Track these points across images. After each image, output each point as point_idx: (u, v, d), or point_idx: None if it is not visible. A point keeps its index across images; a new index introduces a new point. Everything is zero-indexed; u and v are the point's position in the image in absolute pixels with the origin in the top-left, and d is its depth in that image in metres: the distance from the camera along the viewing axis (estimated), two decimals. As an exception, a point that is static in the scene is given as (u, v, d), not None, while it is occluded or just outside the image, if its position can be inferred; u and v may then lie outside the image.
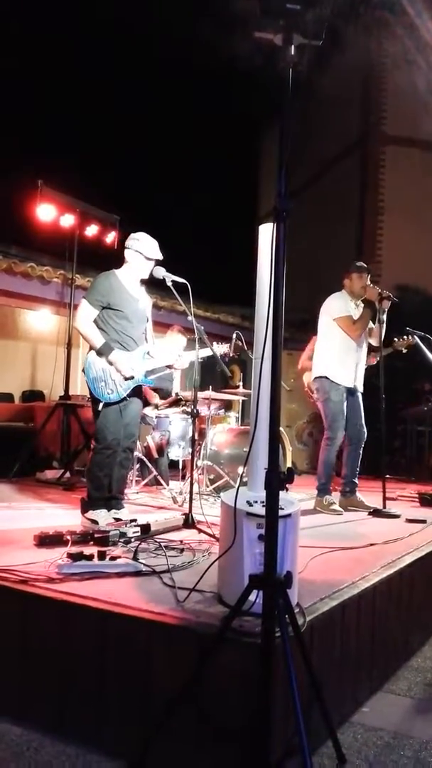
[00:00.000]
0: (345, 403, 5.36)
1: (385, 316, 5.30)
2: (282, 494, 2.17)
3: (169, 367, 5.16)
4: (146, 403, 6.25)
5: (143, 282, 4.45)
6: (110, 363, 4.18)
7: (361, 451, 5.49)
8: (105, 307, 4.23)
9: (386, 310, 5.29)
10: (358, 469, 5.50)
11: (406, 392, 10.44)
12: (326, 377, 5.36)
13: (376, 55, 11.62)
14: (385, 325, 5.33)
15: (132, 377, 4.25)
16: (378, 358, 5.48)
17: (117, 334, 4.25)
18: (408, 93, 10.13)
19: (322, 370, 5.40)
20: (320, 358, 5.47)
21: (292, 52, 2.20)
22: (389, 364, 6.41)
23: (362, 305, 5.48)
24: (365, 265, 5.51)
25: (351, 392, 5.42)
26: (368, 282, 5.45)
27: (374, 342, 5.54)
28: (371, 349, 5.63)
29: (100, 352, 4.18)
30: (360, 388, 5.49)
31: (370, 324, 5.42)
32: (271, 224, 2.21)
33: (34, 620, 2.68)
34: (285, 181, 2.16)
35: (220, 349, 4.87)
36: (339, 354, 5.38)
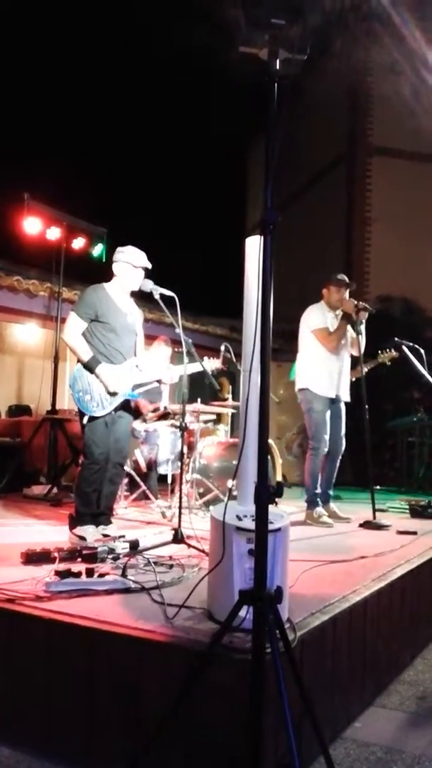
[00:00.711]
0: (328, 413, 5.39)
1: (363, 327, 5.34)
2: (271, 508, 2.15)
3: (159, 381, 5.14)
4: (138, 414, 6.23)
5: (132, 295, 4.44)
6: (96, 376, 4.16)
7: (338, 463, 5.56)
8: (93, 320, 4.22)
9: (363, 321, 5.34)
10: (333, 480, 5.58)
11: (394, 401, 10.48)
12: (308, 389, 5.39)
13: (362, 67, 11.72)
14: (364, 336, 5.37)
15: (116, 393, 4.22)
16: (362, 373, 5.51)
17: (104, 347, 4.23)
18: (394, 104, 10.22)
19: (305, 382, 5.44)
20: (302, 369, 5.51)
21: (278, 66, 2.21)
22: (377, 374, 6.44)
23: (341, 314, 5.52)
24: (345, 279, 5.55)
25: (334, 402, 5.44)
26: (346, 295, 5.48)
27: (354, 352, 5.58)
28: (354, 360, 5.66)
29: (87, 366, 4.16)
30: (344, 398, 5.52)
31: (352, 333, 5.44)
32: (258, 237, 2.20)
33: (22, 639, 2.64)
34: (271, 194, 2.16)
35: (212, 364, 4.87)
36: (320, 365, 5.41)
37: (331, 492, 5.59)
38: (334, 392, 5.44)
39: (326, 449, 5.39)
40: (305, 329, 5.50)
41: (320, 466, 5.43)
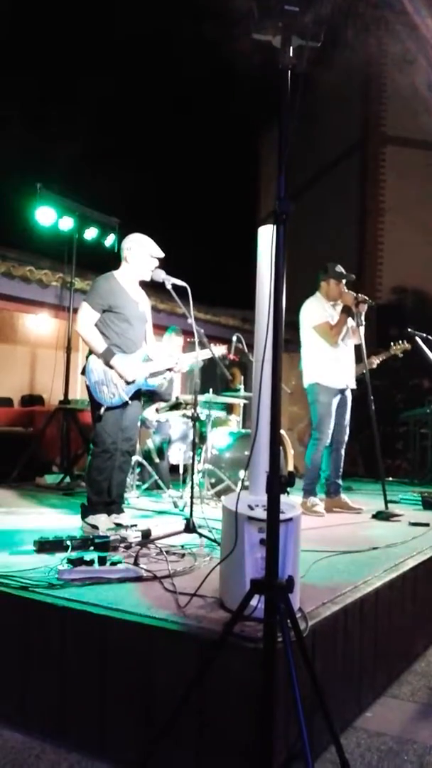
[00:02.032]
0: (334, 405, 5.38)
1: (363, 318, 5.32)
2: (283, 498, 2.15)
3: (169, 370, 5.15)
4: (150, 403, 6.25)
5: (142, 284, 4.44)
6: (111, 367, 4.16)
7: (343, 452, 5.54)
8: (106, 310, 4.21)
9: (363, 312, 5.31)
10: (341, 470, 5.54)
11: (405, 390, 10.46)
12: (318, 383, 5.39)
13: (375, 56, 11.62)
14: (363, 327, 5.36)
15: (134, 381, 4.24)
16: (366, 366, 5.50)
17: (118, 336, 4.23)
18: (408, 93, 10.13)
19: (314, 377, 5.42)
20: (308, 365, 5.48)
21: (291, 54, 2.19)
22: (388, 365, 6.43)
23: (339, 305, 5.49)
24: (344, 272, 5.50)
25: (341, 392, 5.43)
26: (344, 288, 5.45)
27: (355, 341, 5.57)
28: (358, 351, 5.63)
29: (102, 357, 4.16)
30: (351, 386, 5.51)
31: (352, 323, 5.43)
32: (271, 226, 2.19)
33: (35, 626, 2.66)
34: (284, 184, 2.15)
35: (218, 350, 4.86)
36: (326, 359, 5.40)
37: (340, 482, 5.57)
38: (344, 383, 5.43)
39: (329, 441, 5.39)
40: (306, 325, 5.47)
41: (320, 456, 5.43)
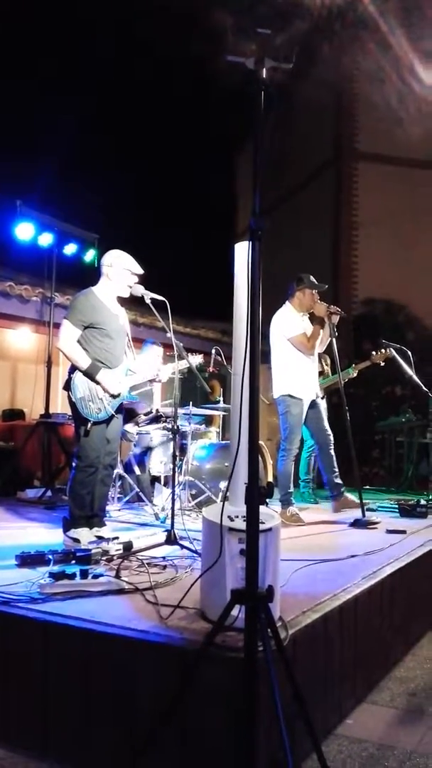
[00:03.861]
0: (304, 416, 5.46)
1: (335, 330, 5.42)
2: (263, 508, 2.19)
3: (151, 381, 5.18)
4: (131, 417, 6.27)
5: (120, 298, 4.48)
6: (97, 383, 4.18)
7: (332, 453, 5.56)
8: (87, 327, 4.23)
9: (335, 324, 5.40)
10: (336, 470, 5.56)
11: (378, 398, 10.59)
12: (289, 395, 5.45)
13: (347, 74, 11.83)
14: (335, 338, 5.45)
15: (119, 395, 4.26)
16: (354, 374, 5.59)
17: (101, 352, 4.24)
18: (380, 110, 10.31)
19: (285, 389, 5.48)
20: (279, 376, 5.53)
21: (264, 75, 2.25)
22: (363, 374, 6.51)
23: (306, 316, 5.57)
24: (316, 282, 5.58)
25: (311, 403, 5.50)
26: (317, 298, 5.53)
27: (320, 349, 5.67)
28: (335, 364, 5.70)
29: (87, 373, 4.17)
30: (318, 395, 5.60)
31: (324, 334, 5.53)
32: (247, 243, 2.24)
33: (16, 641, 2.67)
34: (259, 201, 2.20)
35: (195, 359, 4.89)
36: (297, 370, 5.47)
37: (338, 481, 5.55)
38: (312, 393, 5.51)
39: (296, 452, 5.46)
40: (280, 337, 5.50)
41: (291, 467, 5.48)
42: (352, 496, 5.52)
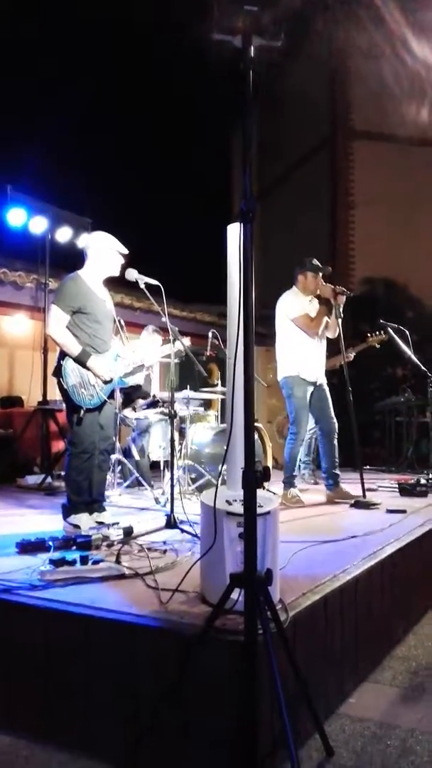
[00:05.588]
0: (308, 398, 5.43)
1: (341, 310, 5.38)
2: (261, 492, 2.18)
3: (141, 366, 5.16)
4: (128, 402, 6.26)
5: (114, 282, 4.44)
6: (88, 369, 4.16)
7: (335, 443, 5.55)
8: (75, 311, 4.20)
9: (341, 304, 5.37)
10: (336, 460, 5.55)
11: (379, 379, 10.58)
12: (291, 375, 5.43)
13: (343, 51, 11.68)
14: (341, 319, 5.41)
15: (111, 380, 4.24)
16: (344, 358, 5.56)
17: (89, 337, 4.22)
18: (375, 88, 10.20)
19: (288, 370, 5.46)
20: (283, 357, 5.52)
21: (252, 54, 2.21)
22: (362, 355, 6.49)
23: (315, 300, 5.54)
24: (320, 265, 5.55)
25: (315, 386, 5.48)
26: (321, 281, 5.50)
27: (331, 335, 5.63)
28: (336, 344, 5.68)
29: (78, 359, 4.15)
30: (323, 380, 5.56)
31: (329, 318, 5.49)
32: (238, 224, 2.22)
33: (18, 629, 2.68)
34: (249, 182, 2.17)
35: (180, 344, 4.81)
36: (300, 352, 5.45)
37: (337, 471, 5.54)
38: (316, 376, 5.49)
39: (304, 434, 5.44)
40: (283, 317, 5.50)
41: (297, 451, 5.48)
42: (347, 489, 5.52)
